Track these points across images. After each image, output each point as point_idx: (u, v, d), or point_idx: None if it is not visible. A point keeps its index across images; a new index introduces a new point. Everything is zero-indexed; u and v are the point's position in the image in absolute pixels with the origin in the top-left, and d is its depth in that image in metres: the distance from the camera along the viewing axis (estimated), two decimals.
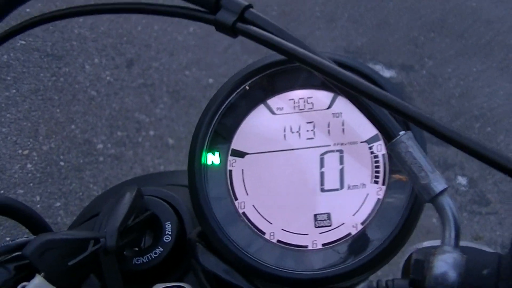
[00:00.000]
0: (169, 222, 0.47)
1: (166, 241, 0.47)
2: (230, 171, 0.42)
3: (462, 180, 2.40)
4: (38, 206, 2.01)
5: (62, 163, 2.15)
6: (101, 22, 2.71)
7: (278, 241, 0.40)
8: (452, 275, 0.31)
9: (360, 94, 0.32)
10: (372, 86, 0.32)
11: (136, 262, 0.47)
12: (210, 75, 2.65)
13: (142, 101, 2.46)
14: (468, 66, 2.80)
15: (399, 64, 2.77)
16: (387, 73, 2.70)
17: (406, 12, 3.06)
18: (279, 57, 0.42)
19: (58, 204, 2.04)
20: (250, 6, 0.40)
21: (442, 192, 0.34)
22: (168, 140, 2.36)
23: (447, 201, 0.34)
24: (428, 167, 0.34)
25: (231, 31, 0.38)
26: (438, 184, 0.35)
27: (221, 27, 0.39)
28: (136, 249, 0.48)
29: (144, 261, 0.47)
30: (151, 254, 0.47)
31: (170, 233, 0.47)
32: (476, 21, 3.10)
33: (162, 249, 0.47)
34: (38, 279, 0.41)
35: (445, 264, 0.31)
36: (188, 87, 2.58)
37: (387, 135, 0.37)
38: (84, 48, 2.56)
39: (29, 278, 0.42)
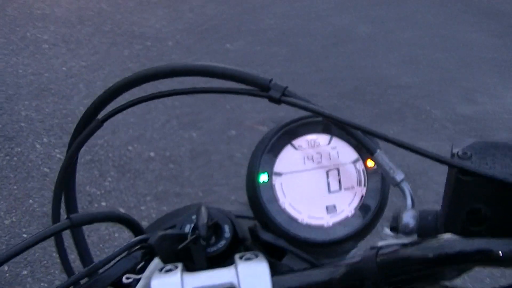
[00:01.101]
0: (226, 225, 0.70)
1: (227, 236, 0.68)
2: (274, 184, 0.66)
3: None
4: (7, 275, 2.18)
5: (24, 235, 2.34)
6: (46, 104, 2.95)
7: (306, 224, 0.65)
8: (412, 222, 0.57)
9: (357, 129, 0.61)
10: (356, 123, 0.61)
11: (209, 250, 0.68)
12: (151, 149, 2.94)
13: (91, 175, 2.70)
14: (384, 129, 3.26)
15: None
16: None
17: (326, 83, 3.53)
18: (301, 115, 0.70)
19: (24, 272, 2.22)
20: (287, 87, 0.67)
21: (402, 180, 0.61)
22: (119, 210, 2.60)
23: (406, 185, 0.61)
24: (393, 166, 0.61)
25: (278, 102, 0.67)
26: (399, 175, 0.65)
27: (273, 100, 0.64)
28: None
29: (214, 249, 0.68)
30: (217, 245, 0.68)
31: (228, 231, 0.69)
32: (388, 88, 3.61)
33: (224, 241, 0.68)
34: (157, 260, 0.64)
35: (408, 216, 0.57)
36: (132, 161, 2.85)
37: (370, 151, 0.67)
38: (33, 129, 2.79)
39: (148, 261, 0.67)
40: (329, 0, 5.06)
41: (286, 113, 0.80)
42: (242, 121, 3.14)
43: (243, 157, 2.87)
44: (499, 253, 0.45)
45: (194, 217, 0.67)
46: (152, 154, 2.91)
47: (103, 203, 2.60)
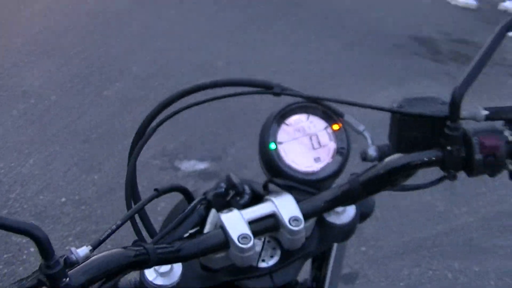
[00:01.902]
0: (246, 185, 0.88)
1: (248, 192, 0.88)
2: (279, 149, 0.89)
3: None
4: None
5: None
6: None
7: (303, 171, 0.89)
8: (374, 153, 0.83)
9: (327, 100, 0.97)
10: (323, 97, 1.02)
11: (240, 202, 0.86)
12: (61, 196, 3.26)
13: None
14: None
15: (209, 156, 3.67)
16: (201, 166, 3.57)
17: (202, 113, 4.00)
18: (294, 102, 0.91)
19: None
20: (280, 84, 0.89)
21: (364, 129, 0.87)
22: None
23: (367, 132, 0.87)
24: (356, 121, 0.88)
25: (279, 95, 0.86)
26: (361, 127, 0.85)
27: (276, 94, 0.87)
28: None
29: (243, 201, 0.86)
30: (244, 198, 0.86)
31: (248, 189, 0.88)
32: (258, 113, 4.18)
33: (248, 195, 0.86)
34: (214, 211, 0.83)
35: (371, 150, 0.83)
36: (47, 208, 3.16)
37: (340, 115, 0.90)
38: None
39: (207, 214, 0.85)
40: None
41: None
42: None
43: (145, 189, 3.27)
44: (425, 159, 0.78)
45: (222, 184, 0.88)
46: (63, 199, 3.24)
47: (31, 249, 2.89)
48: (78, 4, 6.03)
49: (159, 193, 0.85)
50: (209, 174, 3.52)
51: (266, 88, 0.88)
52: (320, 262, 0.97)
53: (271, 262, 0.81)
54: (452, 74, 6.04)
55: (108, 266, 0.66)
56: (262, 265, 0.81)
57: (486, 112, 0.78)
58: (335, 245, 0.94)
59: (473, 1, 9.88)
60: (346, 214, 0.88)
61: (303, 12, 6.73)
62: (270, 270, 0.81)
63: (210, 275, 0.82)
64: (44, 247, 0.62)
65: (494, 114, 0.79)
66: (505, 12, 10.38)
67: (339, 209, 0.87)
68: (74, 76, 4.60)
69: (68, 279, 0.63)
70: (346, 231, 0.88)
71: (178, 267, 0.80)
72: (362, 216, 0.93)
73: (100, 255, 0.67)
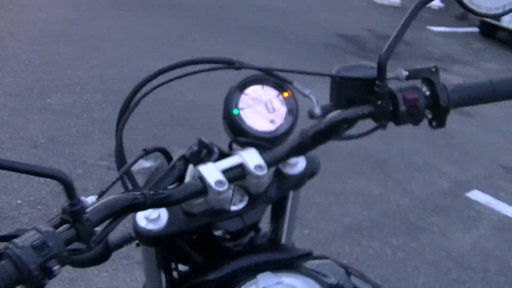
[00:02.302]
0: (215, 146, 0.99)
1: (216, 151, 0.98)
2: (241, 114, 1.00)
3: None
4: None
5: None
6: None
7: (262, 130, 1.00)
8: (319, 111, 0.96)
9: (276, 71, 1.04)
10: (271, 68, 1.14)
11: (212, 159, 0.96)
12: (17, 198, 3.30)
13: None
14: None
15: (154, 155, 3.78)
16: (146, 164, 3.69)
17: (142, 115, 4.13)
18: (251, 75, 1.03)
19: None
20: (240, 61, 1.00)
21: (309, 93, 0.99)
22: None
23: (311, 95, 0.97)
24: (302, 87, 1.01)
25: (240, 69, 0.97)
26: (307, 90, 0.98)
27: (237, 68, 0.98)
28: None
29: (214, 157, 0.97)
30: (214, 155, 0.97)
31: (216, 149, 0.99)
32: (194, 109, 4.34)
33: (217, 154, 0.98)
34: (191, 166, 0.96)
35: (316, 109, 0.96)
36: (5, 210, 3.20)
37: (290, 83, 1.03)
38: None
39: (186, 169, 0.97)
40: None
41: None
42: (85, 160, 3.64)
43: (95, 189, 3.37)
44: (359, 113, 0.94)
45: (195, 146, 1.00)
46: (19, 201, 3.30)
47: None
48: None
49: (146, 152, 1.00)
50: None
51: (228, 64, 1.01)
52: (278, 210, 1.13)
53: (241, 205, 0.96)
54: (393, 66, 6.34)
55: (116, 206, 0.79)
56: (234, 208, 0.96)
57: (406, 73, 0.96)
58: (291, 194, 1.10)
59: (439, 3, 10.46)
60: (298, 166, 1.04)
61: (236, 22, 6.95)
62: (241, 212, 0.96)
63: (191, 219, 0.95)
64: (69, 188, 0.75)
65: (413, 74, 0.97)
66: (428, 7, 10.93)
67: (292, 161, 1.03)
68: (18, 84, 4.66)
69: (88, 215, 0.77)
70: (299, 180, 1.04)
71: (164, 214, 0.93)
72: (310, 173, 1.10)
73: (109, 197, 0.81)
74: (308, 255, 1.05)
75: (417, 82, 1.00)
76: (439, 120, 0.98)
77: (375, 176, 4.10)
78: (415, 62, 6.83)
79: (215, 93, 5.25)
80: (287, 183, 1.02)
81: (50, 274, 0.71)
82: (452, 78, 6.60)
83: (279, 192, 1.01)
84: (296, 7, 8.33)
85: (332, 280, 0.95)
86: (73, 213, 0.76)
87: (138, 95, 1.02)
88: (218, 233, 1.00)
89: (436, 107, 0.97)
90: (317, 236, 3.22)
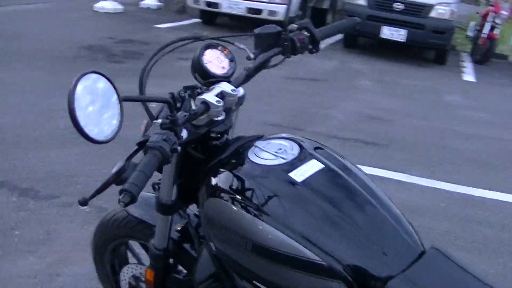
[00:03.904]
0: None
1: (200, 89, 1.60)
2: (205, 63, 1.63)
3: None
4: None
5: None
6: None
7: (219, 74, 1.62)
8: (252, 55, 1.70)
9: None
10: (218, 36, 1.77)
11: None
12: None
13: None
14: None
15: None
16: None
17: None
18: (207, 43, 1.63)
19: None
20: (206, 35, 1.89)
21: (244, 47, 1.69)
22: None
23: (246, 48, 1.70)
24: (241, 45, 1.68)
25: (203, 40, 1.88)
26: (242, 46, 1.68)
27: (202, 40, 1.88)
28: None
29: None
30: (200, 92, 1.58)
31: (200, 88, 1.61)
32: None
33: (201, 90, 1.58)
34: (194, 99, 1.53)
35: (250, 54, 1.69)
36: None
37: (231, 43, 1.70)
38: None
39: None
40: None
41: None
42: None
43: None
44: (275, 51, 1.71)
45: (183, 90, 1.56)
46: None
47: None
48: None
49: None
50: None
51: (199, 38, 1.66)
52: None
53: (222, 116, 1.55)
54: (131, 69, 7.05)
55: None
56: (220, 118, 1.52)
57: (296, 26, 1.76)
58: (239, 108, 1.76)
59: (120, 6, 11.14)
60: (241, 92, 1.66)
61: None
62: (223, 120, 1.57)
63: (199, 129, 1.53)
64: (171, 107, 1.37)
65: (299, 26, 1.76)
66: (148, 8, 11.88)
67: (239, 91, 1.71)
68: None
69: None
70: (242, 100, 1.67)
71: (185, 132, 1.50)
72: (241, 101, 1.70)
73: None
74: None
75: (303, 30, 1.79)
76: (316, 49, 1.78)
77: None
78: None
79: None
80: (239, 101, 1.69)
81: (176, 153, 1.34)
82: None
83: (237, 107, 1.69)
84: (28, 29, 8.62)
85: (305, 142, 1.64)
86: (172, 121, 1.37)
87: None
88: (213, 134, 1.63)
89: (313, 41, 1.77)
90: None
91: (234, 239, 1.46)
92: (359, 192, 1.49)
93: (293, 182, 1.45)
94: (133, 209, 2.01)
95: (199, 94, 1.56)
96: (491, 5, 11.30)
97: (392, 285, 1.32)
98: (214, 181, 1.56)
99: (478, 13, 12.25)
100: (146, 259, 2.18)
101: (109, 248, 2.20)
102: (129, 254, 2.30)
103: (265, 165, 1.51)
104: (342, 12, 10.59)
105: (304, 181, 1.45)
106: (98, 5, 10.92)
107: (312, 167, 1.50)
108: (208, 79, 1.62)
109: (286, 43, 1.73)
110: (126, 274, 2.19)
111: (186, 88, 1.60)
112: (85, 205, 1.32)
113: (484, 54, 10.92)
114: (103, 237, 2.17)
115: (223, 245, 1.51)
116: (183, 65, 7.41)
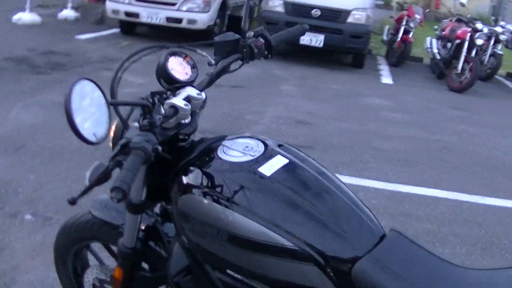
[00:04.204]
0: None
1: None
2: (171, 71, 1.74)
3: None
4: None
5: None
6: None
7: (183, 79, 1.74)
8: (213, 61, 1.89)
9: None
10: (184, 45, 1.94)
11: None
12: None
13: None
14: None
15: None
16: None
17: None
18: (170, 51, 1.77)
19: None
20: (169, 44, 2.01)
21: (206, 54, 1.89)
22: None
23: (208, 54, 1.92)
24: (203, 53, 1.86)
25: (168, 48, 2.03)
26: (204, 53, 1.94)
27: (167, 48, 1.95)
28: None
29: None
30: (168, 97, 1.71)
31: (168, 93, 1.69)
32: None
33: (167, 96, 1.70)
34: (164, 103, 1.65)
35: (212, 60, 1.90)
36: None
37: (192, 50, 1.87)
38: None
39: None
40: None
41: None
42: None
43: None
44: (234, 58, 1.89)
45: (149, 96, 1.66)
46: None
47: None
48: None
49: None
50: None
51: (164, 46, 1.79)
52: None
53: (188, 120, 1.70)
54: (57, 80, 7.05)
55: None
56: (187, 121, 1.71)
57: (252, 33, 1.90)
58: (201, 111, 1.84)
59: (38, 18, 10.99)
60: (203, 96, 1.73)
61: None
62: (190, 122, 1.71)
63: (167, 131, 1.65)
64: (147, 111, 1.51)
65: (255, 33, 1.92)
66: (66, 20, 11.74)
67: (202, 95, 1.82)
68: None
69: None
70: (204, 104, 1.76)
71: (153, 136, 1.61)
72: (204, 105, 1.82)
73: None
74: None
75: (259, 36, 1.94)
76: (271, 54, 1.94)
77: None
78: (81, 70, 7.66)
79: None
80: (202, 105, 1.81)
81: (157, 152, 1.48)
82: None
83: (200, 110, 1.82)
84: None
85: (268, 140, 1.78)
86: (151, 123, 1.49)
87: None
88: (181, 136, 1.75)
89: (269, 47, 1.92)
90: None
91: (209, 232, 1.59)
92: (321, 182, 1.65)
93: (262, 176, 1.60)
94: (97, 212, 2.12)
95: (167, 98, 1.68)
96: (405, 10, 11.85)
97: (360, 265, 1.48)
98: (186, 179, 1.69)
99: (392, 17, 12.82)
100: (108, 261, 2.27)
101: (72, 251, 2.29)
102: (90, 257, 2.38)
103: (235, 162, 1.65)
104: (261, 19, 10.83)
105: (272, 175, 1.60)
106: (16, 17, 10.76)
107: (277, 162, 1.65)
108: (173, 84, 1.74)
109: (244, 50, 1.88)
110: (90, 276, 2.27)
111: (153, 94, 1.71)
112: (74, 204, 1.42)
113: (400, 57, 11.43)
114: (66, 240, 2.25)
115: (198, 238, 1.64)
116: (107, 75, 7.52)
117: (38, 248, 3.26)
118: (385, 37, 12.39)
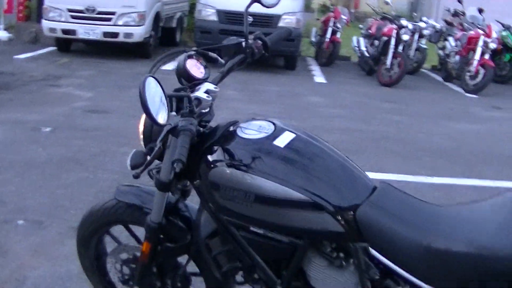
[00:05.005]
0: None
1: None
2: (189, 71, 2.13)
3: None
4: None
5: None
6: None
7: (199, 77, 2.11)
8: (223, 62, 2.27)
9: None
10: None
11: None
12: None
13: None
14: None
15: None
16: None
17: None
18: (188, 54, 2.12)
19: None
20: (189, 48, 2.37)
21: (217, 56, 2.29)
22: None
23: (217, 55, 2.29)
24: (213, 54, 2.31)
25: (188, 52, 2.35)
26: (214, 55, 2.36)
27: (186, 52, 2.36)
28: None
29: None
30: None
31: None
32: None
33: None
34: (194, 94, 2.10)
35: (221, 60, 2.31)
36: None
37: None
38: None
39: None
40: None
41: None
42: None
43: None
44: (240, 59, 2.29)
45: (176, 91, 2.03)
46: None
47: None
48: None
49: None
50: None
51: (184, 51, 2.19)
52: None
53: (206, 109, 2.09)
54: (8, 98, 7.31)
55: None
56: (206, 110, 2.11)
57: (253, 37, 2.34)
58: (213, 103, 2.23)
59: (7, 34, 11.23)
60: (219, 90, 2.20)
61: None
62: (208, 111, 2.10)
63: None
64: (190, 101, 1.95)
65: (255, 36, 2.35)
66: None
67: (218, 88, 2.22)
68: None
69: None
70: (216, 96, 2.11)
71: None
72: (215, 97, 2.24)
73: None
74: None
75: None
76: (268, 53, 2.39)
77: None
78: (28, 87, 7.90)
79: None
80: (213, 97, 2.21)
81: (199, 133, 1.94)
82: (81, 93, 7.90)
83: (213, 101, 2.21)
84: None
85: (275, 120, 2.20)
86: (191, 111, 1.92)
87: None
88: (203, 123, 2.15)
89: (266, 47, 2.36)
90: None
91: (238, 196, 2.00)
92: (321, 148, 2.09)
93: (278, 147, 2.03)
94: (122, 197, 2.47)
95: (192, 92, 2.10)
96: (331, 11, 12.51)
97: (362, 210, 1.92)
98: (213, 157, 2.09)
99: (318, 19, 13.48)
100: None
101: (95, 236, 2.63)
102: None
103: (254, 138, 2.07)
104: (197, 29, 11.20)
105: (285, 146, 2.04)
106: None
107: (287, 136, 2.08)
108: (191, 81, 2.15)
109: (247, 51, 2.30)
110: (113, 258, 2.60)
111: (177, 90, 2.11)
112: (138, 178, 1.88)
113: (329, 57, 12.06)
114: (91, 226, 2.59)
115: (228, 202, 2.04)
116: (54, 91, 7.81)
117: (39, 248, 3.58)
118: (313, 39, 13.03)
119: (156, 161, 2.15)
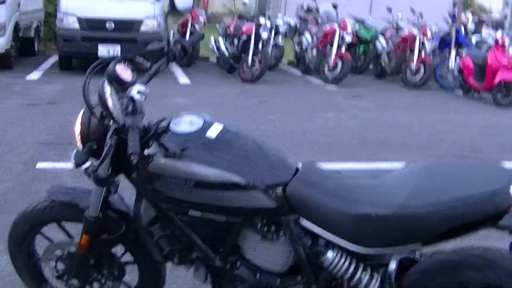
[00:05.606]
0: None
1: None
2: (119, 74, 2.32)
3: None
4: None
5: None
6: None
7: (129, 80, 2.33)
8: (148, 65, 2.55)
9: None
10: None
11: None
12: None
13: None
14: None
15: None
16: None
17: None
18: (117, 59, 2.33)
19: None
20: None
21: (142, 61, 2.51)
22: None
23: (145, 60, 2.53)
24: (141, 59, 2.51)
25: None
26: (140, 59, 2.58)
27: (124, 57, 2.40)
28: None
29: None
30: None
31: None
32: None
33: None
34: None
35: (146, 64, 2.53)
36: None
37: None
38: None
39: None
40: None
41: None
42: None
43: None
44: (164, 60, 2.52)
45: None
46: None
47: None
48: None
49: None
50: None
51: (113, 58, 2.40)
52: None
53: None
54: None
55: None
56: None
57: (173, 42, 2.59)
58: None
59: None
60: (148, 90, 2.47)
61: None
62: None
63: None
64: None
65: (176, 41, 2.60)
66: None
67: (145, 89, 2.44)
68: None
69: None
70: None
71: None
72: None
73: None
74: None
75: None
76: (186, 55, 2.79)
77: None
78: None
79: None
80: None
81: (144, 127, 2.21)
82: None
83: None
84: None
85: (203, 115, 2.42)
86: (134, 110, 2.21)
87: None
88: None
89: (185, 50, 2.73)
90: None
91: (178, 183, 2.25)
92: (247, 136, 2.38)
93: (210, 138, 2.30)
94: (56, 196, 2.63)
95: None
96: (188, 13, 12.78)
97: (291, 185, 2.23)
98: (149, 151, 2.30)
99: (176, 22, 13.69)
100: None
101: (29, 237, 2.75)
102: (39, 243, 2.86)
103: (187, 132, 2.32)
104: (59, 37, 11.05)
105: (216, 136, 2.31)
106: None
107: (217, 128, 2.35)
108: (122, 85, 2.33)
109: (170, 54, 2.55)
110: (49, 255, 2.73)
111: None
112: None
113: (190, 58, 12.31)
114: (24, 227, 2.71)
115: (169, 191, 2.28)
116: None
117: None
118: (171, 41, 13.23)
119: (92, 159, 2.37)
